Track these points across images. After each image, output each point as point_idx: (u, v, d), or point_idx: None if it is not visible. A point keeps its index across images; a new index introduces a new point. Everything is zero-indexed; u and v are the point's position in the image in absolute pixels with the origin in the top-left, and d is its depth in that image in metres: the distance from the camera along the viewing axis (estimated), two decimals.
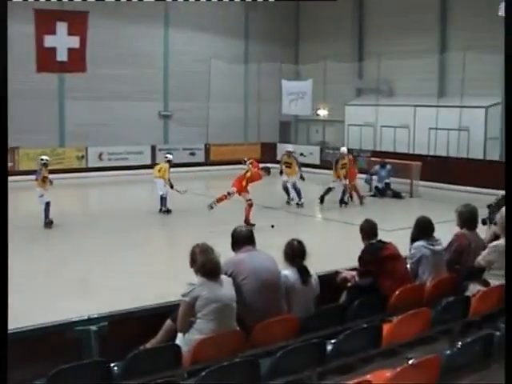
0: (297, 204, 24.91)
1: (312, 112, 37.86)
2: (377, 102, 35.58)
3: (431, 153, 29.40)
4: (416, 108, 34.92)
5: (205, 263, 6.95)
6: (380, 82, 36.55)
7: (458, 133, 31.88)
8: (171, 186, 22.98)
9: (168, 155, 24.59)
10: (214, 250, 7.19)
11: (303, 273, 7.78)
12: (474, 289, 8.47)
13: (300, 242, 7.95)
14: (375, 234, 8.92)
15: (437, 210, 19.41)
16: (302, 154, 36.13)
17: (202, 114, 39.33)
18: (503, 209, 8.87)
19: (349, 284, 8.79)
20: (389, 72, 36.50)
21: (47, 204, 20.28)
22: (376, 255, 8.59)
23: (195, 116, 39.59)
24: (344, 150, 26.42)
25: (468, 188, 26.24)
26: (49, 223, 20.38)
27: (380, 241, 8.87)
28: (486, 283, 8.62)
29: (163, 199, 23.02)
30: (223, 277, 7.13)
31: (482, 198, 18.60)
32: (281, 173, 26.00)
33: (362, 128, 37.46)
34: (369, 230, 8.96)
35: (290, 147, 29.23)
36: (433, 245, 8.99)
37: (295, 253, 7.83)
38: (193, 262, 7.16)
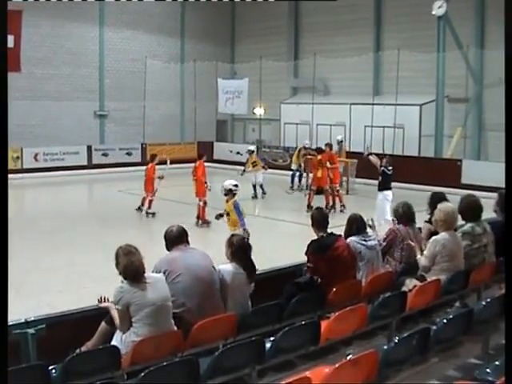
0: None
1: (248, 111, 37.85)
2: (312, 101, 35.76)
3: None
4: (351, 106, 35.21)
5: (126, 266, 6.87)
6: (316, 81, 36.76)
7: (393, 130, 32.23)
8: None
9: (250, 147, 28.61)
10: (138, 250, 7.12)
11: (242, 268, 7.79)
12: (410, 284, 8.58)
13: (242, 238, 7.96)
14: (326, 224, 8.86)
15: (371, 208, 19.65)
16: (238, 153, 36.20)
17: (138, 114, 39.00)
18: (440, 205, 8.99)
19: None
20: (324, 70, 36.76)
21: None
22: (325, 254, 8.52)
23: (131, 115, 39.38)
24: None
25: (403, 184, 26.44)
26: None
27: (331, 234, 8.80)
28: (422, 278, 8.73)
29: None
30: (155, 276, 7.13)
31: (417, 194, 18.80)
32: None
33: (298, 126, 37.67)
34: (321, 219, 8.90)
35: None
36: (366, 240, 9.08)
37: (235, 248, 7.85)
38: (117, 264, 7.08)
